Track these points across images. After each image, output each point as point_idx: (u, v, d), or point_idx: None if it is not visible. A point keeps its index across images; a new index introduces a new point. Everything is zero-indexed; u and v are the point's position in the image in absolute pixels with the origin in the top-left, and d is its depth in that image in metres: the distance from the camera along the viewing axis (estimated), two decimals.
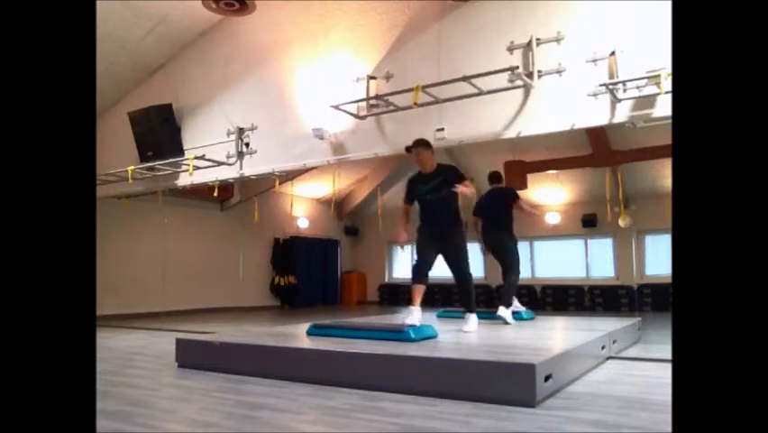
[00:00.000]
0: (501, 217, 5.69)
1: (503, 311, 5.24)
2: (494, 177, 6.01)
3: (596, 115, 4.50)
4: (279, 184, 7.18)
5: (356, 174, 11.86)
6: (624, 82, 4.27)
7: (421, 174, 4.56)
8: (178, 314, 9.61)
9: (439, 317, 5.97)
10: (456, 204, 4.53)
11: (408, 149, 4.56)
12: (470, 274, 4.53)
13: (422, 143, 4.51)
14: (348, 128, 5.76)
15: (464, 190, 4.32)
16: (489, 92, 4.79)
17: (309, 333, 4.28)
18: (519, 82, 4.69)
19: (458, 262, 4.49)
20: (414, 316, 4.25)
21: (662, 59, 4.05)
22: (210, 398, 3.07)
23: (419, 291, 4.41)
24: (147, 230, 9.77)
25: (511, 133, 4.86)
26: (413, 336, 3.76)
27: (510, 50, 4.86)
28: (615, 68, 4.38)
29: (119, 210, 8.62)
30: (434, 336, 3.96)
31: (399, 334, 3.79)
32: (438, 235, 4.46)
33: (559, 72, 4.63)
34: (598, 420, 2.46)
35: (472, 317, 4.57)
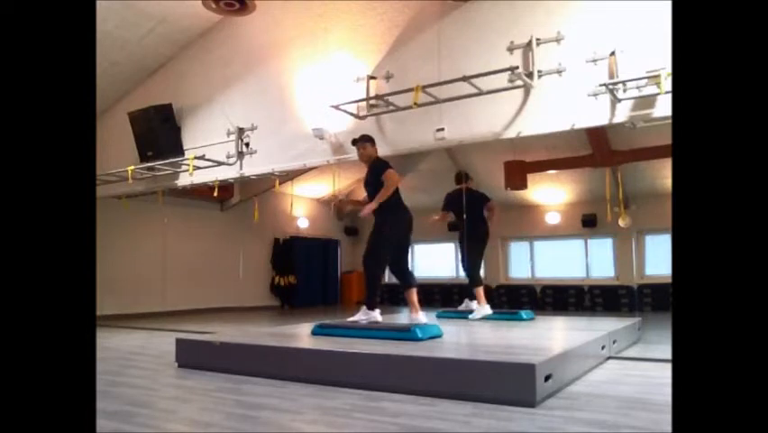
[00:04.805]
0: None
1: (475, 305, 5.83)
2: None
3: (596, 115, 4.49)
4: (279, 184, 7.18)
5: (356, 174, 11.81)
6: (624, 82, 4.27)
7: None
8: (178, 314, 9.61)
9: (438, 317, 5.97)
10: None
11: (354, 142, 4.82)
12: (373, 267, 4.54)
13: (362, 138, 4.79)
14: (348, 128, 5.75)
15: (367, 210, 4.57)
16: (489, 92, 4.78)
17: (314, 333, 4.27)
18: (519, 82, 4.68)
19: (367, 252, 4.56)
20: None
21: (663, 59, 4.05)
22: (210, 398, 3.07)
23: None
24: (147, 230, 9.77)
25: (511, 133, 4.86)
26: (420, 335, 3.76)
27: (510, 50, 4.86)
28: (615, 68, 4.38)
29: (119, 210, 8.61)
30: (440, 336, 3.96)
31: (406, 333, 3.80)
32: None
33: (559, 72, 4.63)
34: (599, 420, 2.46)
35: (362, 309, 4.49)
